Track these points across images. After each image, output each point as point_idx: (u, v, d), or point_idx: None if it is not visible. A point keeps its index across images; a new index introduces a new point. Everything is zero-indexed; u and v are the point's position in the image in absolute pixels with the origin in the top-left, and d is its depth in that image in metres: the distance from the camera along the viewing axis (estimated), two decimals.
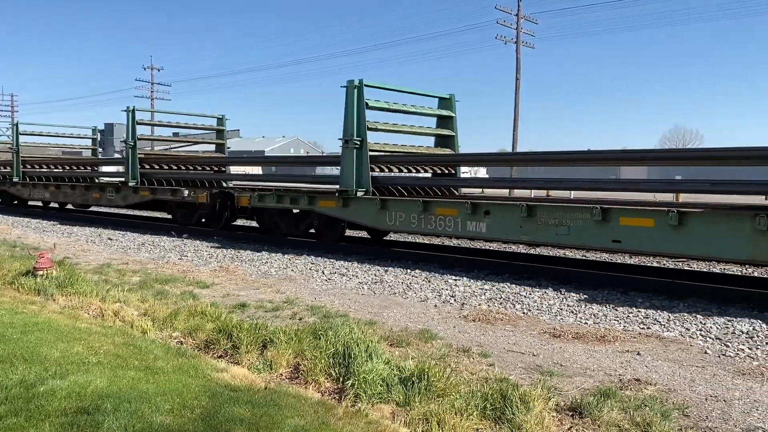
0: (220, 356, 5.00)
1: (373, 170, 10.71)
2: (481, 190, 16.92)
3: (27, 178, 19.79)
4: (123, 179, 15.86)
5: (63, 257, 9.72)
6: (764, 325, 6.01)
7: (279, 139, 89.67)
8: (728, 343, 5.48)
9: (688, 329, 5.96)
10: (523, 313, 6.67)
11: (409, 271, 9.12)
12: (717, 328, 5.99)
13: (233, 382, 4.15)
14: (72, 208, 20.49)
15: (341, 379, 4.23)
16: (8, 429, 3.15)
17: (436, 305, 7.02)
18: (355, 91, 10.34)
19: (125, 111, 15.17)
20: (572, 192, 18.41)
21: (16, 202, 21.49)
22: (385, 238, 12.80)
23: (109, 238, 13.09)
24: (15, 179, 19.74)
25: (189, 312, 6.04)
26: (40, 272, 7.48)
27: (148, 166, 15.72)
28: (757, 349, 5.31)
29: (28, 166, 20.08)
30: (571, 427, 3.69)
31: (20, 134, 20.16)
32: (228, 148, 17.48)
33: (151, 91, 61.31)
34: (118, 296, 6.76)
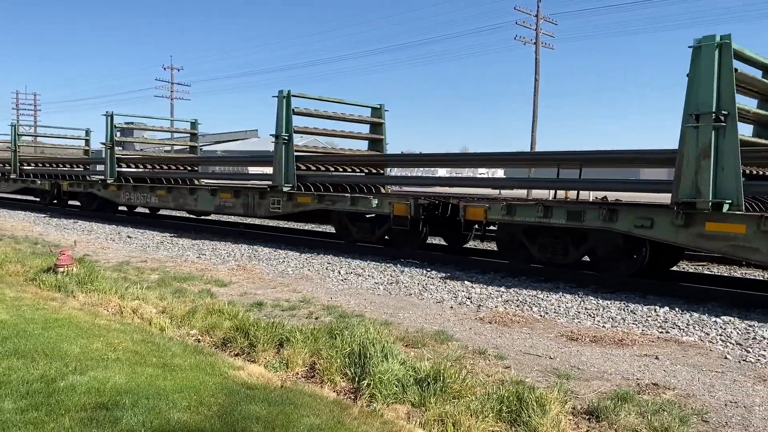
0: (237, 354, 5.03)
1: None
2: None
3: None
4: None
5: (83, 254, 9.85)
6: None
7: (295, 139, 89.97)
8: (749, 349, 5.40)
9: (708, 334, 5.89)
10: (540, 315, 6.63)
11: (424, 272, 9.10)
12: (738, 333, 5.90)
13: (250, 380, 4.17)
14: None
15: (357, 379, 4.24)
16: (29, 423, 3.20)
17: (452, 307, 7.00)
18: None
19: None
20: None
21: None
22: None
23: (128, 236, 13.23)
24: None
25: (206, 310, 6.08)
26: (61, 269, 7.58)
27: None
28: None
29: None
30: (587, 430, 3.66)
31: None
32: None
33: (171, 91, 61.87)
34: (136, 294, 6.83)
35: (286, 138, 11.86)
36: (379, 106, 13.63)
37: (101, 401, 3.53)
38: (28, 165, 21.68)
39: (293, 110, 11.95)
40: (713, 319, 6.39)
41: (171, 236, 13.29)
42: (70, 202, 19.86)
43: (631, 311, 6.74)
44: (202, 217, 17.48)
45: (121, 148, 18.34)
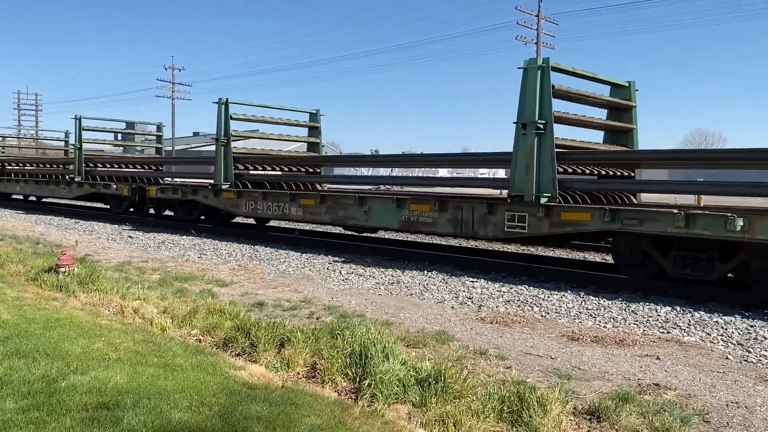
0: (238, 354, 5.03)
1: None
2: None
3: None
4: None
5: (84, 254, 9.86)
6: None
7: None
8: (750, 349, 5.40)
9: (709, 334, 5.88)
10: (542, 315, 6.63)
11: (426, 272, 9.10)
12: (739, 333, 5.90)
13: (251, 380, 4.18)
14: None
15: (358, 379, 4.24)
16: (31, 423, 3.21)
17: (453, 307, 7.00)
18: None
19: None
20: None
21: None
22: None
23: (130, 236, 13.24)
24: None
25: (207, 310, 6.09)
26: (62, 269, 7.59)
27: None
28: None
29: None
30: (588, 430, 3.66)
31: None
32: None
33: (172, 91, 62.04)
34: (138, 294, 6.84)
35: (542, 127, 8.40)
36: (627, 84, 9.98)
37: (102, 401, 3.53)
38: (95, 165, 18.34)
39: (553, 88, 8.43)
40: (714, 319, 6.39)
41: (172, 236, 13.29)
42: (151, 211, 16.49)
43: (632, 311, 6.74)
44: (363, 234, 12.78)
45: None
